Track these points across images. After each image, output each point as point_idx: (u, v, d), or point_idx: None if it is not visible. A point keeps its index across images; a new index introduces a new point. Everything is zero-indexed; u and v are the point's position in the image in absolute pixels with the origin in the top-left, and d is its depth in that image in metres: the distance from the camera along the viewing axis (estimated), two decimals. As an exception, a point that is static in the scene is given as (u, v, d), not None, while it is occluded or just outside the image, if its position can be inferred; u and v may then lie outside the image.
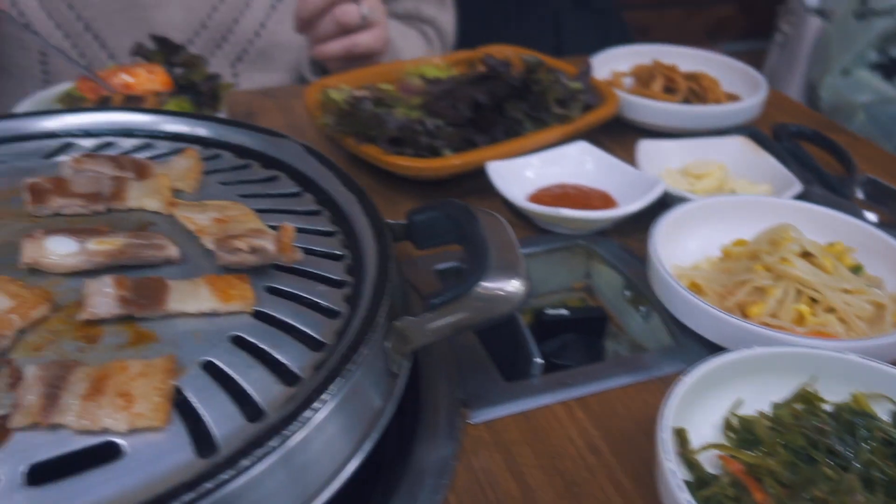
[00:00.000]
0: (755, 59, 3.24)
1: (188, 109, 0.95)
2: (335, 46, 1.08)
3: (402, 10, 1.34)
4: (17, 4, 1.14)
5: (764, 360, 0.57)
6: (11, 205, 0.60)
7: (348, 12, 1.06)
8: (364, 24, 1.08)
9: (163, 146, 0.76)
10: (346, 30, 1.07)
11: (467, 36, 1.80)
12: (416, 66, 1.04)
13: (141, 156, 0.73)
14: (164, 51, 0.96)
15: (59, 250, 0.52)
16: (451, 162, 0.82)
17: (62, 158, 0.71)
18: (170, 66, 0.96)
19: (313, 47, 1.11)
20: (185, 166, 0.67)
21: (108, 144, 0.75)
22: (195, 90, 0.96)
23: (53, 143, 0.75)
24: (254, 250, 0.54)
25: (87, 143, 0.75)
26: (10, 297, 0.48)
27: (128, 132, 0.77)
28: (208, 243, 0.56)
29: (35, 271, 0.52)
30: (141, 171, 0.65)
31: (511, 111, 0.89)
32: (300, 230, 0.63)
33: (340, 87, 0.92)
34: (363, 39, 1.09)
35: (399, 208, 0.86)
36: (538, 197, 0.83)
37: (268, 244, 0.54)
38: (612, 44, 2.37)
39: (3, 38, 1.17)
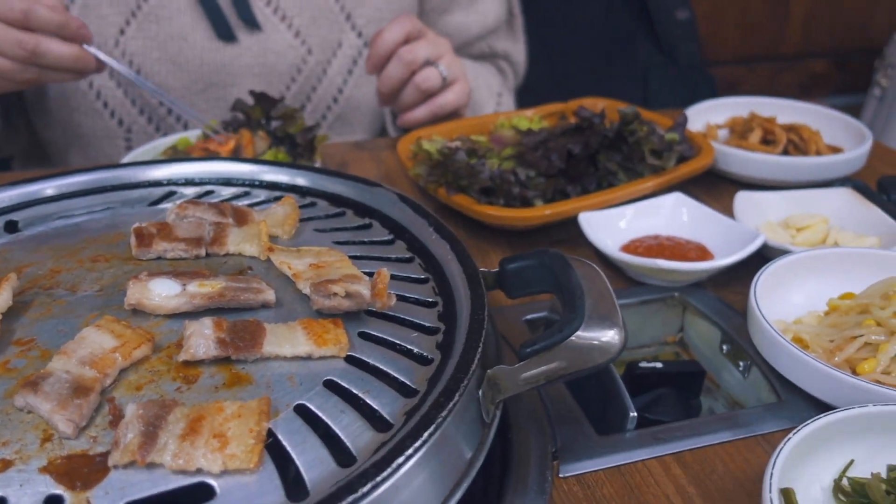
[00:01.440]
0: (851, 114, 3.15)
1: (285, 160, 0.97)
2: (422, 113, 1.09)
3: (476, 51, 1.37)
4: (101, 97, 1.19)
5: (878, 418, 0.53)
6: (118, 248, 0.62)
7: (430, 78, 1.07)
8: (445, 84, 1.09)
9: (261, 194, 0.77)
10: (429, 94, 1.09)
11: (556, 91, 1.81)
12: (509, 118, 1.04)
13: (240, 203, 0.75)
14: (263, 105, 0.99)
15: (162, 292, 0.53)
16: (542, 212, 0.82)
17: (166, 205, 0.74)
18: (268, 120, 0.99)
19: (400, 117, 1.12)
20: (282, 213, 0.68)
21: (210, 192, 0.78)
22: (292, 142, 0.98)
23: (158, 191, 0.78)
24: (349, 295, 0.54)
25: (190, 191, 0.78)
26: (115, 336, 0.49)
27: (228, 181, 0.79)
28: (304, 288, 0.56)
29: (139, 312, 0.53)
30: (241, 218, 0.67)
31: (604, 162, 0.87)
32: (393, 277, 0.62)
33: (433, 139, 0.93)
34: (447, 99, 1.10)
35: (490, 258, 0.86)
36: (631, 248, 0.81)
37: (363, 289, 0.54)
38: (701, 98, 2.34)
39: (93, 124, 1.22)
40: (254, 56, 1.16)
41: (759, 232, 0.79)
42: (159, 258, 0.61)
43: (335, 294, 0.53)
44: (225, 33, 1.14)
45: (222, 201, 0.75)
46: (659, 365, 0.69)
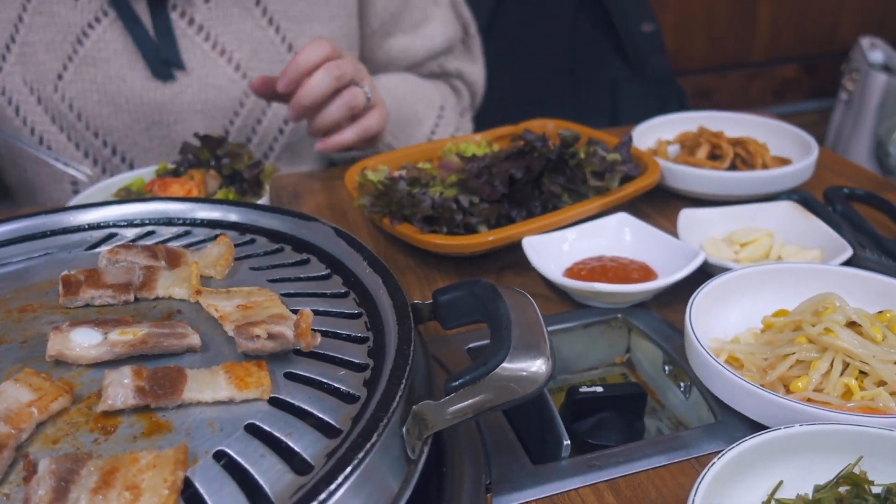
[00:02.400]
0: (822, 118, 3.18)
1: (235, 198, 0.98)
2: (349, 135, 1.06)
3: (426, 70, 1.37)
4: (44, 142, 1.18)
5: (806, 438, 0.54)
6: (47, 297, 0.63)
7: (357, 96, 1.04)
8: (369, 105, 1.07)
9: (200, 233, 0.78)
10: (354, 115, 1.06)
11: (523, 106, 1.83)
12: (456, 143, 1.05)
13: (179, 243, 0.75)
14: (209, 145, 1.00)
15: (83, 342, 0.53)
16: (485, 238, 0.82)
17: (102, 249, 0.74)
18: (216, 159, 1.00)
19: (323, 140, 1.07)
20: (217, 253, 0.68)
21: (150, 233, 0.78)
22: (241, 179, 0.99)
23: (98, 234, 0.78)
24: (272, 336, 0.54)
25: (131, 232, 0.78)
26: (32, 389, 0.49)
27: (169, 221, 0.80)
28: (229, 330, 0.57)
29: (62, 363, 0.53)
30: (173, 260, 0.67)
31: (548, 185, 0.88)
32: (325, 313, 0.63)
33: (378, 168, 0.94)
34: (371, 122, 1.07)
35: (437, 286, 0.86)
36: (575, 271, 0.82)
37: (286, 330, 0.55)
38: (670, 110, 2.36)
39: (27, 155, 1.21)
40: (194, 93, 1.17)
41: (699, 250, 0.80)
42: (87, 305, 0.61)
43: (258, 336, 0.54)
44: (161, 73, 1.14)
45: (160, 242, 0.75)
46: (599, 389, 0.69)
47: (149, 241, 0.76)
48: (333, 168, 1.23)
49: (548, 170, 0.89)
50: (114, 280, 0.62)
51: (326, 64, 1.00)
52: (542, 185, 0.89)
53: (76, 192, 1.22)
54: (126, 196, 1.01)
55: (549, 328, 0.76)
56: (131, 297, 0.61)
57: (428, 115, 1.29)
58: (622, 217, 0.88)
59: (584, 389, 0.69)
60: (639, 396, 0.70)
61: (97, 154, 1.20)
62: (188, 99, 1.18)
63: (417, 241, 0.84)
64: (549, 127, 1.12)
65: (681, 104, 2.55)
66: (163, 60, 1.15)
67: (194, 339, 0.55)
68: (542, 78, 2.38)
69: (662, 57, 2.60)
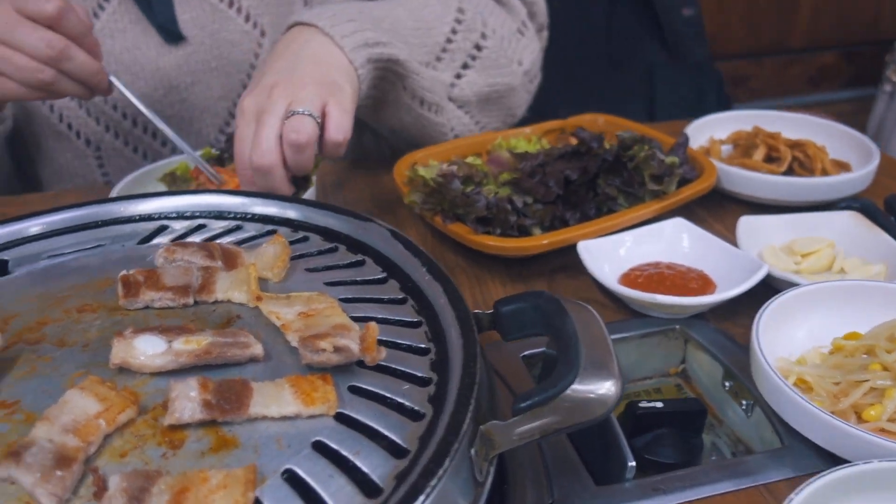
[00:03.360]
0: (859, 107, 3.12)
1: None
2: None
3: None
4: (64, 119, 1.17)
5: (883, 475, 0.52)
6: (105, 296, 0.62)
7: (300, 128, 0.83)
8: (317, 122, 0.85)
9: (252, 228, 0.77)
10: (310, 145, 0.85)
11: (559, 92, 1.80)
12: (506, 138, 1.03)
13: (231, 238, 0.75)
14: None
15: (148, 350, 0.52)
16: (540, 241, 0.81)
17: (157, 241, 0.74)
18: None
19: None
20: (272, 254, 0.67)
21: (201, 226, 0.77)
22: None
23: (149, 226, 0.77)
24: (337, 350, 0.53)
25: (181, 224, 0.77)
26: (99, 399, 0.49)
27: (219, 214, 0.79)
28: (293, 341, 0.56)
29: (124, 369, 0.53)
30: (229, 260, 0.66)
31: (604, 187, 0.87)
32: (385, 321, 0.62)
33: (429, 164, 0.92)
34: (333, 138, 0.86)
35: (487, 287, 0.85)
36: (631, 277, 0.80)
37: (351, 344, 0.54)
38: (707, 98, 2.32)
39: (62, 147, 1.21)
40: (207, 50, 1.15)
41: (762, 262, 0.78)
42: (147, 307, 0.60)
43: (323, 350, 0.53)
44: (169, 36, 1.12)
45: (213, 237, 0.74)
46: (659, 405, 0.68)
47: (199, 235, 0.76)
48: (374, 159, 1.20)
49: (603, 171, 0.88)
50: (173, 282, 0.61)
51: (251, 149, 0.85)
52: (597, 186, 0.88)
53: (101, 167, 1.22)
54: (171, 182, 1.00)
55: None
56: (191, 301, 0.61)
57: (443, 16, 1.10)
58: (678, 222, 0.86)
59: (643, 404, 0.68)
60: (698, 413, 0.69)
61: (117, 127, 1.19)
62: (202, 57, 1.17)
63: (470, 242, 0.82)
64: (599, 122, 1.10)
65: (719, 91, 2.51)
66: (159, 25, 1.13)
67: (257, 349, 0.55)
68: (579, 62, 2.34)
69: (702, 42, 2.55)
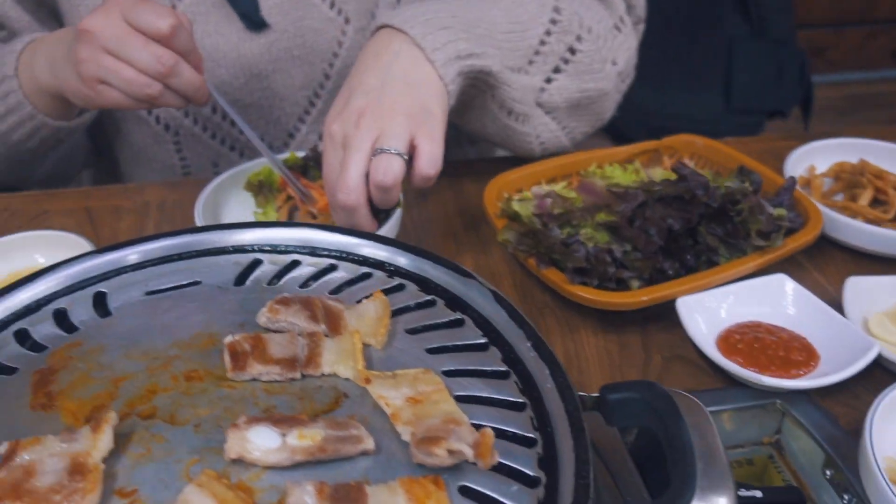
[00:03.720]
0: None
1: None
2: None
3: None
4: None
5: None
6: (211, 360, 0.62)
7: (389, 170, 0.83)
8: (405, 159, 0.85)
9: (347, 269, 0.76)
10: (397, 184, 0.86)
11: (638, 70, 1.74)
12: (600, 163, 1.00)
13: (327, 280, 0.74)
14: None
15: (262, 444, 0.52)
16: (638, 298, 0.79)
17: (254, 277, 0.73)
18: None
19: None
20: (374, 315, 0.67)
21: (295, 263, 0.77)
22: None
23: (244, 260, 0.77)
24: (451, 454, 0.53)
25: (275, 259, 0.77)
26: (216, 499, 0.49)
27: (313, 251, 0.78)
28: (403, 433, 0.55)
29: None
30: (333, 323, 0.65)
31: (705, 236, 0.84)
32: (489, 401, 0.61)
33: (523, 197, 0.90)
34: (423, 172, 0.86)
35: (579, 334, 0.84)
36: (730, 342, 0.78)
37: (466, 449, 0.53)
38: (788, 78, 2.23)
39: (141, 131, 1.20)
40: (290, 38, 1.13)
41: (871, 339, 0.75)
42: (254, 379, 0.60)
43: (438, 455, 0.52)
44: (252, 23, 1.10)
45: (309, 279, 0.74)
46: (759, 494, 0.67)
47: (295, 272, 0.75)
48: (460, 163, 1.18)
49: (705, 217, 0.85)
50: (280, 354, 0.61)
51: (336, 186, 0.85)
52: (697, 233, 0.85)
53: (179, 152, 1.20)
54: (258, 191, 0.99)
55: (702, 409, 0.74)
56: (298, 375, 0.60)
57: (538, 16, 1.05)
58: (782, 279, 0.84)
59: (743, 493, 0.67)
60: (798, 505, 0.68)
61: (196, 113, 1.18)
62: (284, 45, 1.15)
63: (566, 293, 0.81)
64: (697, 144, 1.06)
65: (801, 70, 2.41)
66: (241, 13, 1.11)
67: (369, 444, 0.54)
68: (656, 32, 2.25)
69: (787, 16, 2.44)
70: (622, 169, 0.98)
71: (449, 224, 1.02)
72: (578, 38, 1.06)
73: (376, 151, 0.83)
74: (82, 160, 1.31)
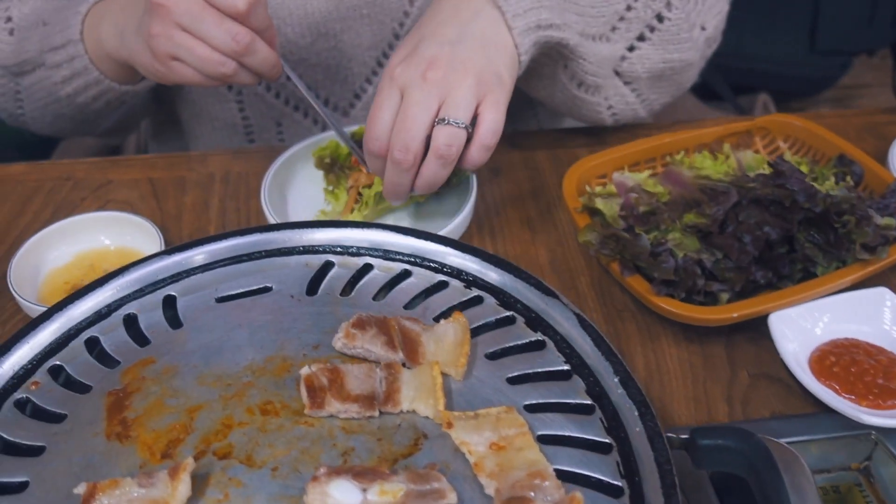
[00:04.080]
0: None
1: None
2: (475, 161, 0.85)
3: None
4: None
5: None
6: (286, 390, 0.61)
7: (451, 140, 0.81)
8: (468, 132, 0.83)
9: (422, 276, 0.74)
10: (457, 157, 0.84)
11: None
12: (688, 151, 0.95)
13: (401, 288, 0.72)
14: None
15: (343, 500, 0.51)
16: (728, 315, 0.75)
17: (327, 284, 0.71)
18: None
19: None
20: (453, 340, 0.65)
21: (368, 267, 0.74)
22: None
23: (314, 261, 0.75)
24: (538, 515, 0.51)
25: (347, 262, 0.75)
26: (299, 560, 0.48)
27: (386, 254, 0.76)
28: (488, 487, 0.54)
29: (316, 509, 0.52)
30: (411, 351, 0.64)
31: (803, 243, 0.79)
32: (571, 440, 0.60)
33: (608, 193, 0.86)
34: (485, 141, 0.83)
35: (660, 343, 0.81)
36: (825, 364, 0.74)
37: (553, 511, 0.51)
38: (881, 15, 2.08)
39: (203, 90, 1.17)
40: None
41: (982, 371, 0.71)
42: (331, 416, 0.59)
43: (525, 518, 0.51)
44: None
45: (383, 287, 0.72)
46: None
47: (367, 277, 0.73)
48: (534, 134, 1.12)
49: (804, 223, 0.80)
50: (358, 389, 0.59)
51: (391, 143, 0.83)
52: (794, 240, 0.80)
53: (241, 111, 1.17)
54: (329, 169, 0.96)
55: (790, 439, 0.71)
56: (376, 413, 0.59)
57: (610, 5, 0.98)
58: (882, 294, 0.79)
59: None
60: (891, 549, 0.65)
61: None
62: (353, 3, 1.10)
63: (651, 304, 0.77)
64: (794, 126, 0.99)
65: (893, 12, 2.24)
66: None
67: (452, 499, 0.53)
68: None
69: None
70: (712, 158, 0.92)
71: (523, 207, 0.98)
72: (668, 5, 0.99)
73: (440, 120, 0.81)
74: (144, 112, 1.30)
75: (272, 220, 0.90)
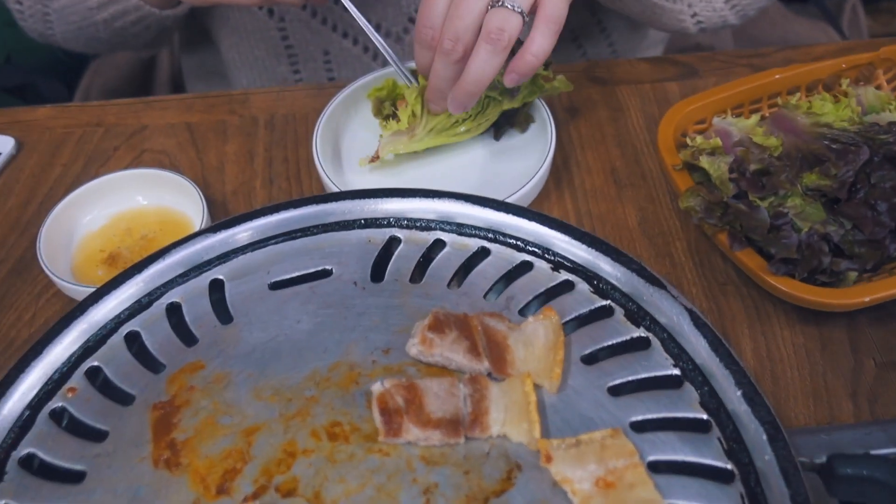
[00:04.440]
0: None
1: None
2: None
3: None
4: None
5: None
6: (355, 408, 0.53)
7: (505, 25, 0.72)
8: (525, 22, 0.75)
9: (501, 255, 0.65)
10: (510, 47, 0.76)
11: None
12: (798, 81, 0.82)
13: (478, 272, 0.63)
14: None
15: (430, 558, 0.44)
16: (861, 299, 0.65)
17: (393, 268, 0.63)
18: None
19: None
20: (544, 343, 0.56)
21: (439, 243, 0.66)
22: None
23: (377, 236, 0.67)
24: (657, 578, 0.44)
25: (413, 238, 0.66)
26: None
27: (460, 229, 0.67)
28: (596, 537, 0.46)
29: (397, 567, 0.45)
30: (498, 358, 0.56)
31: (945, 208, 0.68)
32: (685, 467, 0.52)
33: (713, 149, 0.75)
34: (539, 47, 0.75)
35: (771, 324, 0.72)
36: (971, 356, 0.65)
37: (677, 575, 0.44)
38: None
39: (242, 16, 1.08)
40: None
41: None
42: (409, 442, 0.51)
43: (644, 583, 0.43)
44: None
45: (459, 269, 0.63)
46: None
47: (438, 260, 0.64)
48: (614, 65, 1.00)
49: (948, 183, 0.68)
50: (440, 411, 0.51)
51: (446, 24, 0.76)
52: (934, 204, 0.69)
53: (285, 39, 1.07)
54: (385, 104, 0.86)
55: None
56: (461, 440, 0.51)
57: None
58: None
59: None
60: None
61: None
62: None
63: (767, 285, 0.68)
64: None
65: None
66: None
67: (555, 553, 0.46)
68: None
69: None
70: (832, 101, 0.80)
71: (607, 154, 0.88)
72: None
73: (494, 3, 0.73)
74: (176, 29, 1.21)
75: (325, 177, 0.81)
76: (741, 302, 0.73)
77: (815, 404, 0.67)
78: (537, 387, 0.54)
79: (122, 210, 0.82)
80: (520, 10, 0.73)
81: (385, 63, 1.08)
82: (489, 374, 0.55)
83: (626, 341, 0.59)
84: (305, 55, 1.10)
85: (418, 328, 0.56)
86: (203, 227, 0.77)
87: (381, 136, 0.83)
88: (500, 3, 0.73)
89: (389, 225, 0.68)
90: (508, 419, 0.52)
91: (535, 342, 0.57)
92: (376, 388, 0.52)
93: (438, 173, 0.87)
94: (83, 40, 1.04)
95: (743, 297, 0.74)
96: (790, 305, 0.71)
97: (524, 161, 0.84)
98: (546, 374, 0.55)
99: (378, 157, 0.83)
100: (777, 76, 0.85)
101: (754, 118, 0.80)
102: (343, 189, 0.81)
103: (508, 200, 0.77)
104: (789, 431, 0.56)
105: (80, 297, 0.76)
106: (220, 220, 0.81)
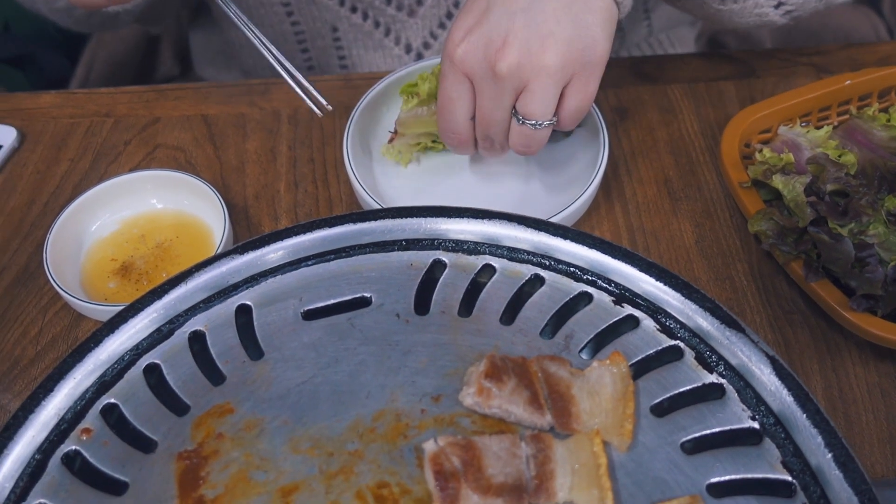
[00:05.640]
0: None
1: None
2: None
3: None
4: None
5: None
6: (402, 467, 0.49)
7: (526, 142, 0.73)
8: (545, 125, 0.72)
9: (557, 285, 0.61)
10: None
11: None
12: (872, 87, 0.77)
13: (532, 305, 0.59)
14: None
15: None
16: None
17: (438, 298, 0.59)
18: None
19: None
20: (611, 393, 0.52)
21: (488, 269, 0.61)
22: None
23: (420, 260, 0.62)
24: None
25: (460, 263, 0.62)
26: None
27: (510, 254, 0.62)
28: None
29: None
30: (562, 412, 0.51)
31: None
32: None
33: (784, 163, 0.70)
34: (566, 121, 0.73)
35: (842, 358, 0.68)
36: None
37: None
38: None
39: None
40: None
41: None
42: None
43: None
44: None
45: (511, 301, 0.59)
46: None
47: (489, 289, 0.60)
48: (665, 60, 0.94)
49: None
50: (501, 476, 0.47)
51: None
52: None
53: (290, 14, 1.02)
54: (414, 102, 0.81)
55: None
56: (525, 507, 0.47)
57: None
58: None
59: None
60: None
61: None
62: None
63: (846, 322, 0.63)
64: None
65: None
66: None
67: None
68: None
69: None
70: (908, 116, 0.75)
71: (659, 162, 0.83)
72: None
73: (519, 119, 0.70)
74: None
75: (358, 185, 0.76)
76: (809, 333, 0.69)
77: (892, 453, 0.63)
78: (605, 444, 0.50)
79: (135, 214, 0.78)
80: (542, 126, 0.70)
81: (419, 57, 1.03)
82: (552, 429, 0.51)
83: (698, 388, 0.55)
84: (313, 32, 1.05)
85: (473, 376, 0.52)
86: (224, 236, 0.73)
87: (401, 109, 0.79)
88: (521, 121, 0.70)
89: (433, 247, 0.63)
90: (576, 484, 0.48)
91: (601, 392, 0.53)
92: (429, 446, 0.48)
93: (475, 181, 0.82)
94: (64, 20, 0.99)
95: (811, 327, 0.69)
96: (862, 339, 0.67)
97: (571, 168, 0.80)
98: (615, 429, 0.51)
99: (396, 134, 0.79)
100: (848, 82, 0.80)
101: (825, 130, 0.75)
102: (374, 196, 0.76)
103: (557, 217, 0.73)
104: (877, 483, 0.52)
105: (89, 314, 0.72)
106: (241, 227, 0.77)
